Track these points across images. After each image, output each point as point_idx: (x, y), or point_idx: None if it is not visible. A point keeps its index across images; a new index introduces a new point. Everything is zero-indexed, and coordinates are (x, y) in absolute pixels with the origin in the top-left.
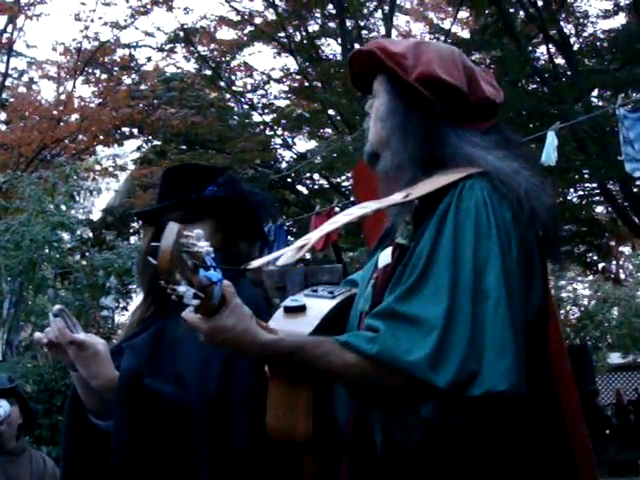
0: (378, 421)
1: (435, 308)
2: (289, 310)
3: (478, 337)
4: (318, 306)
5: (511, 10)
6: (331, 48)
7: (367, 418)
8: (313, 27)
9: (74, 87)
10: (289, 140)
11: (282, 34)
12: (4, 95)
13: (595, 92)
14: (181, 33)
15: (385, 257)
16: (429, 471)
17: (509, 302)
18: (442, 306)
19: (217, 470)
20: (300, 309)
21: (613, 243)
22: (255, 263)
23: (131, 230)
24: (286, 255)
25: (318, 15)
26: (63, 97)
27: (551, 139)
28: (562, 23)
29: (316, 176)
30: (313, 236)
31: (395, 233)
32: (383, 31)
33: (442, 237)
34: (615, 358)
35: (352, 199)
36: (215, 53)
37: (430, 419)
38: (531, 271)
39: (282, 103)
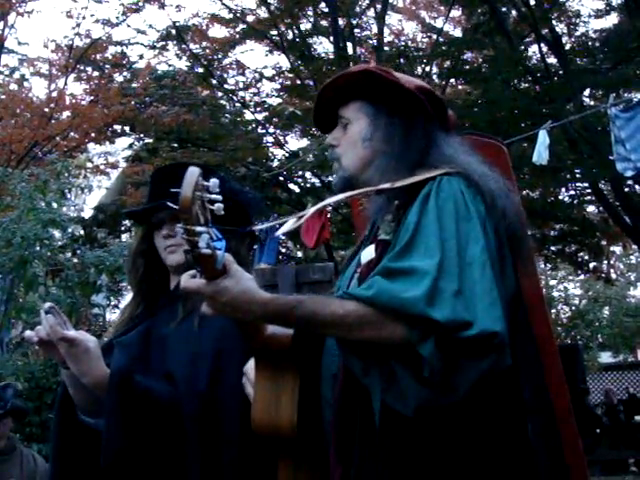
0: (377, 386)
1: (427, 260)
2: None
3: (468, 290)
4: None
5: (503, 9)
6: (323, 46)
7: (367, 385)
8: (305, 25)
9: (66, 84)
10: (281, 138)
11: (274, 32)
12: None
13: (587, 91)
14: (173, 31)
15: (368, 253)
16: (426, 439)
17: (493, 270)
18: (434, 260)
19: (207, 467)
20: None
21: (604, 242)
22: (259, 227)
23: (122, 228)
24: (287, 224)
25: (310, 13)
26: (54, 94)
27: (542, 138)
28: (554, 22)
29: (308, 174)
30: (310, 210)
31: (374, 232)
32: (375, 30)
33: (426, 214)
34: (606, 357)
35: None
36: (207, 51)
37: (431, 359)
38: (503, 259)
39: (274, 101)
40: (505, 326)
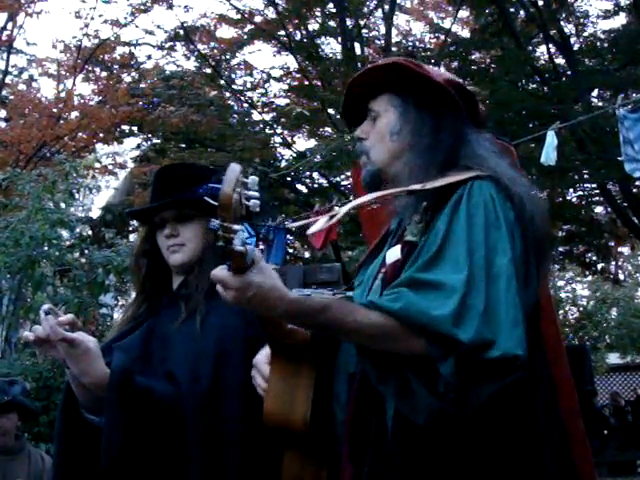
0: (391, 395)
1: (456, 275)
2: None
3: (493, 308)
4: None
5: (511, 10)
6: (331, 47)
7: (382, 392)
8: (313, 26)
9: (74, 85)
10: (289, 139)
11: (282, 32)
12: (4, 92)
13: (595, 92)
14: (181, 31)
15: (393, 254)
16: (438, 446)
17: (518, 285)
18: (463, 274)
19: (208, 467)
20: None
21: (612, 243)
22: (293, 224)
23: (130, 228)
24: (319, 222)
25: (318, 14)
26: (63, 95)
27: (551, 139)
28: (562, 23)
29: (315, 175)
30: (342, 210)
31: (400, 232)
32: (383, 30)
33: (457, 222)
34: (613, 358)
35: (351, 198)
36: (215, 51)
37: (449, 379)
38: (528, 267)
39: (282, 102)
40: (526, 347)
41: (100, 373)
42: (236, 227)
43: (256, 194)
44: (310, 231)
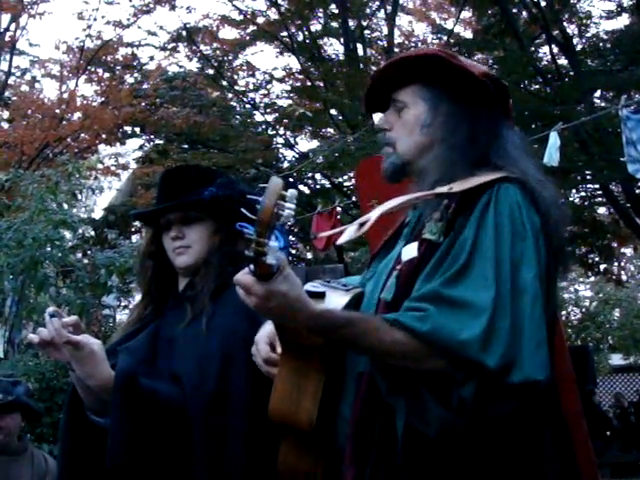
0: (401, 407)
1: (483, 294)
2: (310, 295)
3: (518, 328)
4: (336, 297)
5: (514, 10)
6: (333, 48)
7: (392, 404)
8: (315, 27)
9: (77, 86)
10: (291, 140)
11: (284, 33)
12: (7, 93)
13: (598, 93)
14: (184, 32)
15: (410, 251)
16: (448, 461)
17: (542, 300)
18: (490, 292)
19: (213, 467)
20: (320, 295)
21: (615, 244)
22: (322, 234)
23: (133, 229)
24: (347, 232)
25: (321, 15)
26: (66, 96)
27: (553, 140)
28: (565, 23)
29: (318, 176)
30: (372, 215)
31: (419, 228)
32: (386, 31)
33: (484, 232)
34: (616, 359)
35: (354, 199)
36: (217, 52)
37: (468, 401)
38: (550, 274)
39: (284, 103)
40: (548, 370)
41: (105, 375)
42: (272, 244)
43: (292, 206)
44: (340, 241)
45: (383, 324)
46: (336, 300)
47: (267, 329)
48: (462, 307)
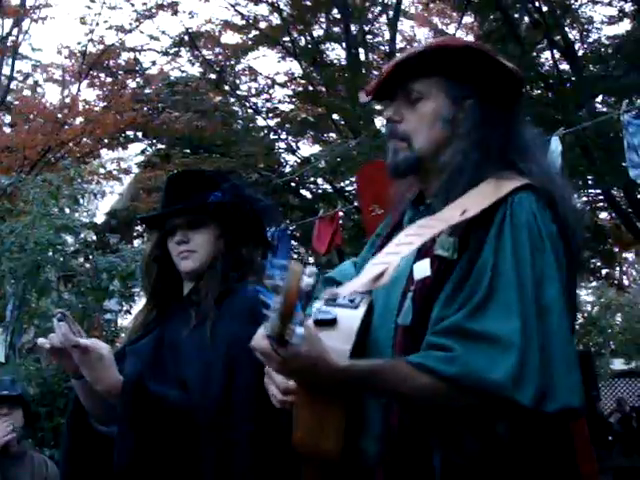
0: (438, 443)
1: (509, 325)
2: (320, 323)
3: (547, 353)
4: (347, 318)
5: (516, 15)
6: (335, 53)
7: (426, 441)
8: (318, 32)
9: (79, 90)
10: (293, 144)
11: (287, 38)
12: (9, 98)
13: (599, 98)
14: (186, 37)
15: (422, 268)
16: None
17: (568, 315)
18: (516, 323)
19: (221, 471)
20: (332, 322)
21: (617, 249)
22: (344, 291)
23: (135, 233)
24: (361, 281)
25: (323, 20)
26: (68, 100)
27: (555, 145)
28: (567, 29)
29: (320, 180)
30: (391, 265)
31: (428, 243)
32: (388, 36)
33: (503, 254)
34: (618, 364)
35: (356, 203)
36: (220, 57)
37: (504, 436)
38: (571, 289)
39: (286, 107)
40: (582, 394)
41: (114, 380)
42: (298, 330)
43: (311, 280)
44: (360, 290)
45: (409, 369)
46: (348, 324)
47: (253, 340)
48: (489, 342)
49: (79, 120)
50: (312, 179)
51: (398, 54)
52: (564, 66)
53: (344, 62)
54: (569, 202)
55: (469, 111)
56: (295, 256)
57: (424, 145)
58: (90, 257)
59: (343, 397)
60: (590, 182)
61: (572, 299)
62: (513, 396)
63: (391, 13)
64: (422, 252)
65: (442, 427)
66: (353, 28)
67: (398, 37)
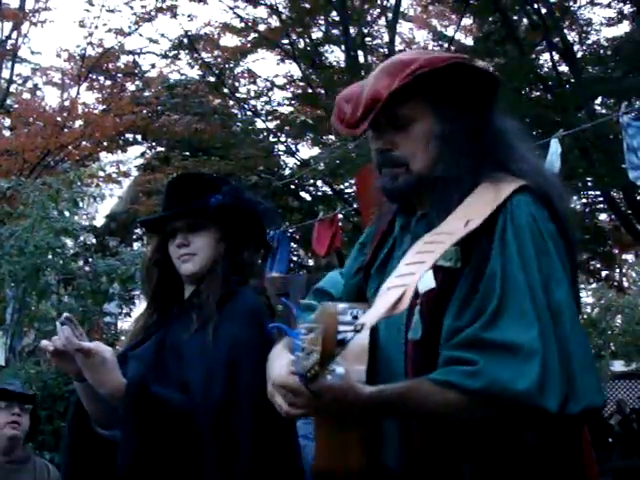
0: (466, 458)
1: (528, 332)
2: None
3: (566, 355)
4: (356, 337)
5: (515, 17)
6: (335, 55)
7: (454, 456)
8: (317, 34)
9: (78, 93)
10: (292, 147)
11: (286, 41)
12: (8, 101)
13: (599, 100)
14: (185, 40)
15: (426, 282)
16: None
17: (577, 313)
18: (535, 330)
19: (223, 472)
20: (342, 343)
21: (616, 251)
22: (368, 322)
23: (134, 236)
24: (377, 310)
25: (322, 22)
26: (67, 103)
27: (554, 147)
28: (566, 31)
29: (319, 183)
30: (409, 288)
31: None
32: (387, 38)
33: (510, 258)
34: (618, 366)
35: (355, 206)
36: (219, 60)
37: (532, 442)
38: (575, 283)
39: (285, 110)
40: (602, 391)
41: (117, 383)
42: (339, 370)
43: (346, 323)
44: (373, 321)
45: (434, 387)
46: (358, 343)
47: (278, 367)
48: (510, 352)
49: (78, 123)
50: (311, 181)
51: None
52: (563, 68)
53: (343, 64)
54: (564, 200)
55: (456, 121)
56: (295, 258)
57: (423, 166)
58: (90, 260)
59: (365, 420)
60: (589, 184)
61: (577, 297)
62: (540, 404)
63: (390, 15)
64: None
65: (469, 439)
66: (352, 30)
67: (397, 39)
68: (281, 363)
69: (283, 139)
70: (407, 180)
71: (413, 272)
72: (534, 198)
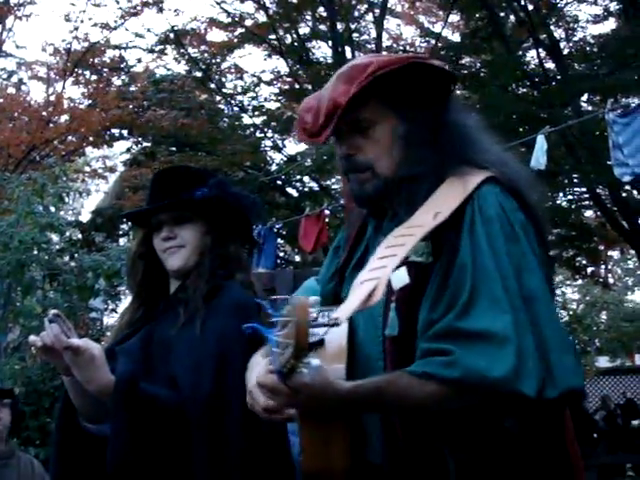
0: (449, 447)
1: (501, 320)
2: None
3: (541, 341)
4: (335, 336)
5: (501, 14)
6: (322, 51)
7: (437, 445)
8: (304, 30)
9: (64, 88)
10: (279, 142)
11: (273, 36)
12: None
13: (585, 97)
14: (171, 35)
15: (400, 278)
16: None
17: (551, 299)
18: (508, 316)
19: (213, 469)
20: (319, 343)
21: (602, 247)
22: (342, 316)
23: (120, 232)
24: (351, 303)
25: (309, 18)
26: (52, 98)
27: (541, 143)
28: (552, 27)
29: (306, 178)
30: (382, 280)
31: None
32: (374, 34)
33: (479, 248)
34: (603, 362)
35: (342, 201)
36: (205, 55)
37: (512, 429)
38: (549, 270)
39: (272, 105)
40: (581, 373)
41: (105, 380)
42: (314, 362)
43: (314, 312)
44: (346, 315)
45: (412, 380)
46: (336, 341)
47: (256, 373)
48: (485, 339)
49: (64, 118)
50: (298, 177)
51: (385, 52)
52: (549, 65)
53: (330, 60)
54: (533, 190)
55: (417, 121)
56: (281, 254)
57: (388, 168)
58: (75, 255)
59: (346, 417)
60: (575, 180)
61: (551, 284)
62: (518, 389)
63: (377, 11)
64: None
65: (451, 430)
66: (339, 26)
67: (384, 35)
68: (259, 368)
69: (270, 135)
70: (375, 185)
71: (385, 265)
72: (502, 188)
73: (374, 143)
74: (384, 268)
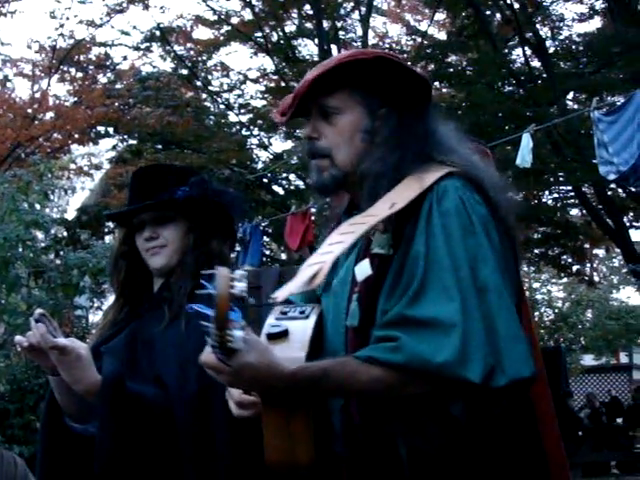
0: (400, 433)
1: (448, 306)
2: (273, 337)
3: (491, 329)
4: (299, 328)
5: (487, 12)
6: (308, 49)
7: (389, 431)
8: (290, 27)
9: (49, 85)
10: (265, 140)
11: (259, 34)
12: None
13: (570, 95)
14: (157, 32)
15: (363, 269)
16: (455, 471)
17: (507, 292)
18: (455, 304)
19: (201, 467)
20: (284, 334)
21: (587, 246)
22: (280, 296)
23: (106, 229)
24: (295, 284)
25: (295, 15)
26: (38, 95)
27: (526, 141)
28: (538, 26)
29: (292, 176)
30: (326, 264)
31: (365, 243)
32: (360, 32)
33: (434, 239)
34: (588, 360)
35: (328, 200)
36: (191, 52)
37: (460, 417)
38: (511, 265)
39: (258, 103)
40: (532, 362)
41: (92, 380)
42: (236, 333)
43: (244, 284)
44: (283, 295)
45: (358, 364)
46: (301, 333)
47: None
48: (431, 326)
49: (49, 115)
50: (284, 175)
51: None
52: (535, 63)
53: (316, 58)
54: (497, 185)
55: (385, 119)
56: (267, 252)
57: (346, 159)
58: (60, 253)
59: (305, 406)
60: (561, 178)
61: (513, 278)
62: (461, 374)
63: (363, 9)
64: (361, 254)
65: (403, 416)
66: (325, 24)
67: (370, 33)
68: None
69: (256, 132)
70: (332, 175)
71: (332, 251)
72: (464, 183)
73: (336, 131)
74: (330, 253)
